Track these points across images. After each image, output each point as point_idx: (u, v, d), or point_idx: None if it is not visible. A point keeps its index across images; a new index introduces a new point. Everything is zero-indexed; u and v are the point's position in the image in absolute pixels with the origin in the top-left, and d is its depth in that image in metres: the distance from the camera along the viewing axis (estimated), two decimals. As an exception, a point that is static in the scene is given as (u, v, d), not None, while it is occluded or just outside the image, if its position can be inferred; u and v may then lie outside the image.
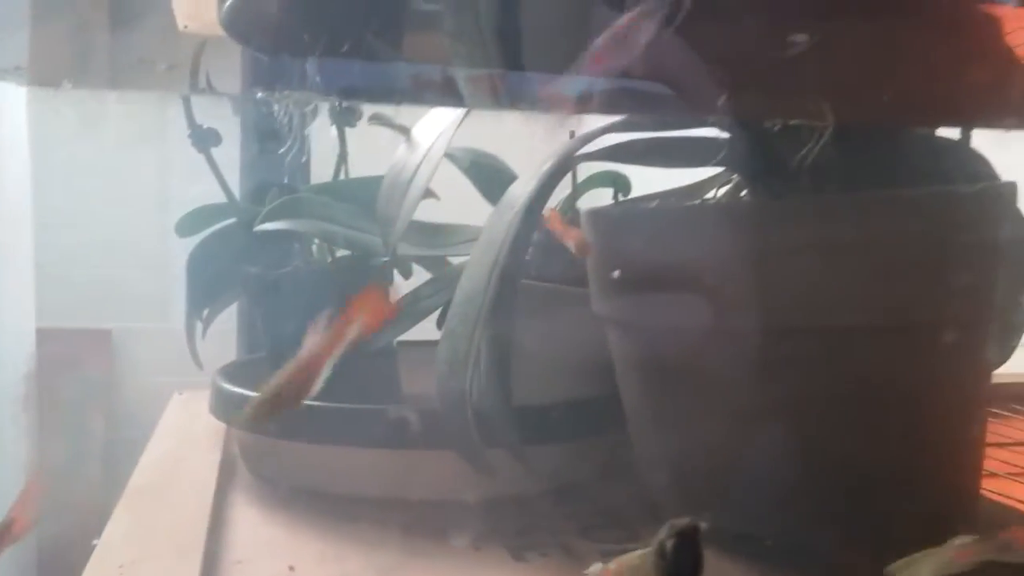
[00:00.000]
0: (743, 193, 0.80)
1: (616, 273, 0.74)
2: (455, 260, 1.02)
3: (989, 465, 0.91)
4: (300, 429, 0.81)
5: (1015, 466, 0.97)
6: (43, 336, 1.48)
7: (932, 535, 0.70)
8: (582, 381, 0.88)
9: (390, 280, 1.02)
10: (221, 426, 0.96)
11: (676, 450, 0.78)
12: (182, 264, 0.98)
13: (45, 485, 0.45)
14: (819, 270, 0.68)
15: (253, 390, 0.86)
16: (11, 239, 0.64)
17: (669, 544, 0.36)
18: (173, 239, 0.99)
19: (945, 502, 0.72)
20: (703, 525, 0.37)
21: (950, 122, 0.69)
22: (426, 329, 0.96)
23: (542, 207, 0.85)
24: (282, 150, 0.93)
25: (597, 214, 0.85)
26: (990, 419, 0.96)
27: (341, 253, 1.03)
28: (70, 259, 1.51)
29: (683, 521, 0.37)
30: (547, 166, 0.82)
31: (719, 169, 0.85)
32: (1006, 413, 1.17)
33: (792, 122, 0.52)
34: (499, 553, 0.72)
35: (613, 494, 0.85)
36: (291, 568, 0.67)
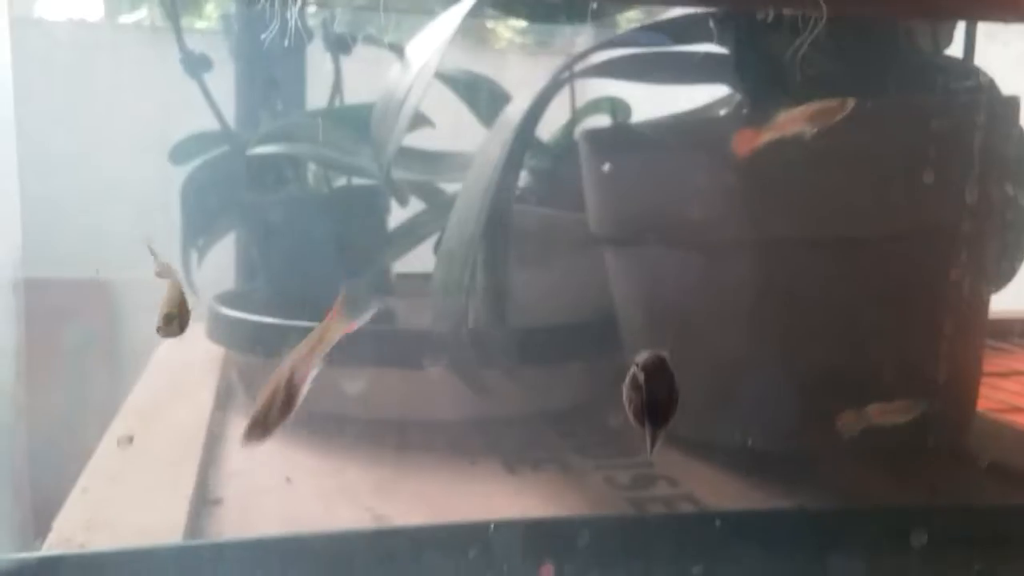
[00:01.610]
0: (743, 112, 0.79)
1: (607, 167, 0.73)
2: (451, 190, 1.02)
3: (996, 395, 0.92)
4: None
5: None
6: (33, 287, 1.46)
7: (929, 442, 0.71)
8: (580, 305, 0.88)
9: (387, 208, 1.02)
10: (218, 353, 0.96)
11: (673, 366, 0.78)
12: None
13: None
14: (815, 180, 0.67)
15: (249, 314, 0.87)
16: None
17: (641, 377, 0.36)
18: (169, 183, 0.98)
19: (941, 410, 0.72)
20: (665, 353, 0.37)
21: (945, 14, 0.68)
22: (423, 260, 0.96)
23: (535, 126, 0.84)
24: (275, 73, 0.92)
25: (595, 133, 0.84)
26: (997, 353, 0.96)
27: (338, 183, 1.02)
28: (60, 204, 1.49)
29: (647, 354, 0.37)
30: (542, 85, 0.81)
31: (717, 93, 0.84)
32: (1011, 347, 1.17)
33: (785, 11, 0.51)
34: (494, 467, 0.73)
35: (609, 415, 0.85)
36: (288, 479, 0.68)
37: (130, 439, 0.70)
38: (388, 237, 0.97)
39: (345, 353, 0.81)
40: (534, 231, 0.90)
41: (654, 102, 0.90)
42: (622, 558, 0.54)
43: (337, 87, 1.00)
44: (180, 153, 0.97)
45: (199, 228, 0.97)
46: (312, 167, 0.99)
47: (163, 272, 0.43)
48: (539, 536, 0.54)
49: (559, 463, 0.74)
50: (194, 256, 1.00)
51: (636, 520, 0.62)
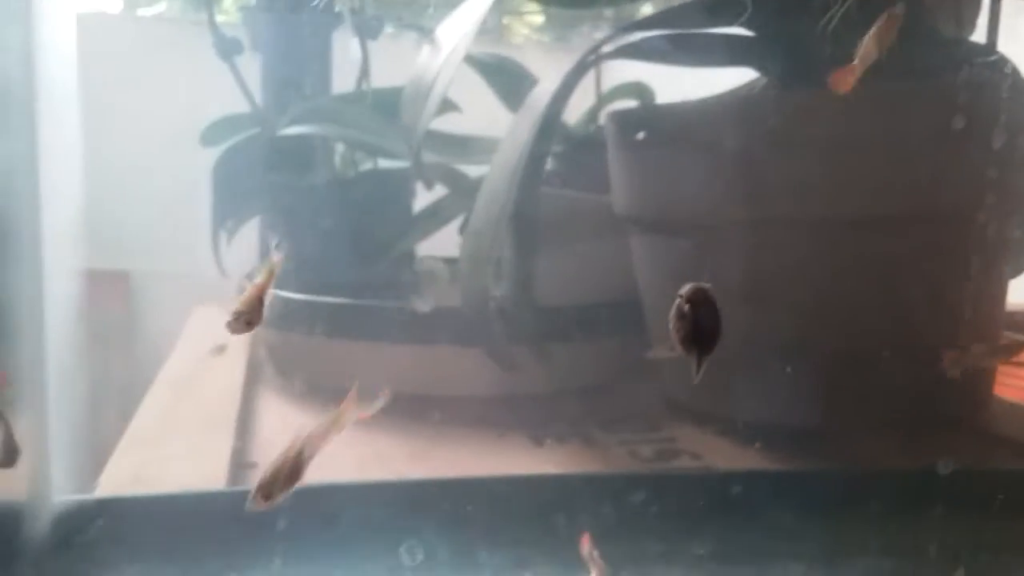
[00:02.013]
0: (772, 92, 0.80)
1: (641, 135, 0.75)
2: (474, 174, 1.03)
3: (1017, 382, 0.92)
4: (328, 327, 0.83)
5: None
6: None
7: (949, 420, 0.72)
8: (604, 286, 0.89)
9: (412, 192, 1.03)
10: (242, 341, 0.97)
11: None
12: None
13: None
14: (843, 161, 0.68)
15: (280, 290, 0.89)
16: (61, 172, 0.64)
17: (686, 307, 0.38)
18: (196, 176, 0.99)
19: (959, 390, 0.73)
20: (708, 285, 0.38)
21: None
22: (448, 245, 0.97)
23: (562, 109, 0.85)
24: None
25: (622, 115, 0.85)
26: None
27: (364, 167, 1.04)
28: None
29: (690, 285, 0.39)
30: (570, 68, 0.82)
31: (745, 77, 0.85)
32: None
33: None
34: (521, 440, 0.74)
35: (633, 393, 0.87)
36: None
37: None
38: (413, 219, 0.98)
39: (377, 331, 0.83)
40: (560, 213, 0.91)
41: (679, 90, 0.92)
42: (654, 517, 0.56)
43: (365, 71, 1.02)
44: (211, 135, 0.99)
45: (229, 209, 0.99)
46: (339, 150, 1.01)
47: (251, 274, 0.45)
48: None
49: (583, 437, 0.76)
50: (223, 237, 1.01)
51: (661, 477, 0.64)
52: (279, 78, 1.05)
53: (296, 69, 1.03)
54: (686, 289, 0.38)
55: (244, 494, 0.43)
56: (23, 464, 0.45)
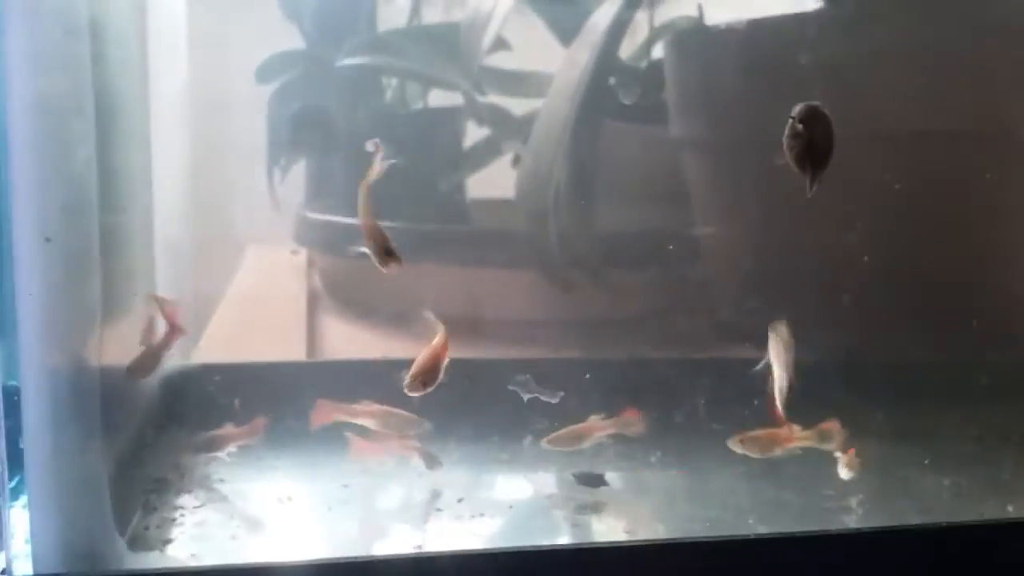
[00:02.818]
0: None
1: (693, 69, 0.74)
2: (519, 112, 1.04)
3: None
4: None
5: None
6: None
7: (1001, 346, 0.73)
8: (660, 216, 0.90)
9: (463, 131, 1.04)
10: (299, 266, 0.99)
11: (750, 268, 0.80)
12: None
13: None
14: (892, 78, 0.69)
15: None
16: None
17: (799, 125, 0.39)
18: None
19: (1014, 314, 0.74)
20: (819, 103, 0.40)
21: None
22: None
23: (621, 36, 0.86)
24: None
25: (681, 36, 0.86)
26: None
27: (415, 107, 1.05)
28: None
29: (802, 105, 0.40)
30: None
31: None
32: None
33: None
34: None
35: (685, 321, 0.88)
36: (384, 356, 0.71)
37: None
38: (465, 154, 0.99)
39: (430, 252, 0.84)
40: (616, 145, 0.92)
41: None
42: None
43: (416, 7, 1.02)
44: (265, 72, 1.00)
45: (283, 144, 1.00)
46: (391, 88, 1.02)
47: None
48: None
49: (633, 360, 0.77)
50: (277, 172, 1.03)
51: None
52: (332, 12, 1.05)
53: (349, 4, 1.04)
54: (798, 109, 0.39)
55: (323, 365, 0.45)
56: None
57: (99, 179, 0.51)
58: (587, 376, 0.60)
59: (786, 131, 0.40)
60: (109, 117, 0.53)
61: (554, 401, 0.50)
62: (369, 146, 0.46)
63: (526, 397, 0.50)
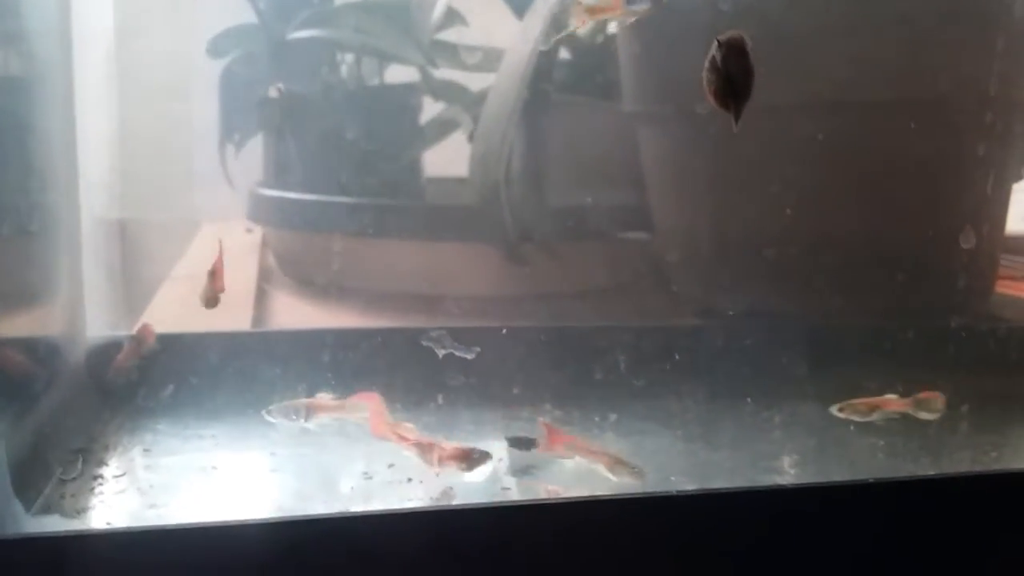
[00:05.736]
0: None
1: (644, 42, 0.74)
2: (475, 88, 1.03)
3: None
4: (334, 223, 0.83)
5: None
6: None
7: (946, 311, 0.72)
8: (611, 189, 0.89)
9: (419, 105, 1.03)
10: (254, 243, 0.98)
11: (703, 238, 0.79)
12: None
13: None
14: (845, 46, 0.68)
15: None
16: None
17: (719, 56, 0.38)
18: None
19: (960, 282, 0.73)
20: (745, 37, 0.38)
21: None
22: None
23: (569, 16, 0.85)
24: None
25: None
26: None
27: (370, 83, 1.03)
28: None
29: (727, 34, 0.38)
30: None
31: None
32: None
33: None
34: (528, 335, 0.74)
35: (639, 293, 0.87)
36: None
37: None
38: (420, 130, 0.98)
39: (384, 227, 0.83)
40: (567, 118, 0.91)
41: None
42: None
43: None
44: (217, 46, 0.98)
45: (235, 121, 0.99)
46: (345, 63, 1.01)
47: None
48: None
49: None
50: (230, 149, 1.01)
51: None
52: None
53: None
54: (723, 36, 0.38)
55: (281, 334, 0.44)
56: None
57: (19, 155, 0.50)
58: (503, 331, 0.59)
59: (705, 64, 0.39)
60: (29, 91, 0.52)
61: (469, 357, 0.49)
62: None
63: (441, 353, 0.49)
